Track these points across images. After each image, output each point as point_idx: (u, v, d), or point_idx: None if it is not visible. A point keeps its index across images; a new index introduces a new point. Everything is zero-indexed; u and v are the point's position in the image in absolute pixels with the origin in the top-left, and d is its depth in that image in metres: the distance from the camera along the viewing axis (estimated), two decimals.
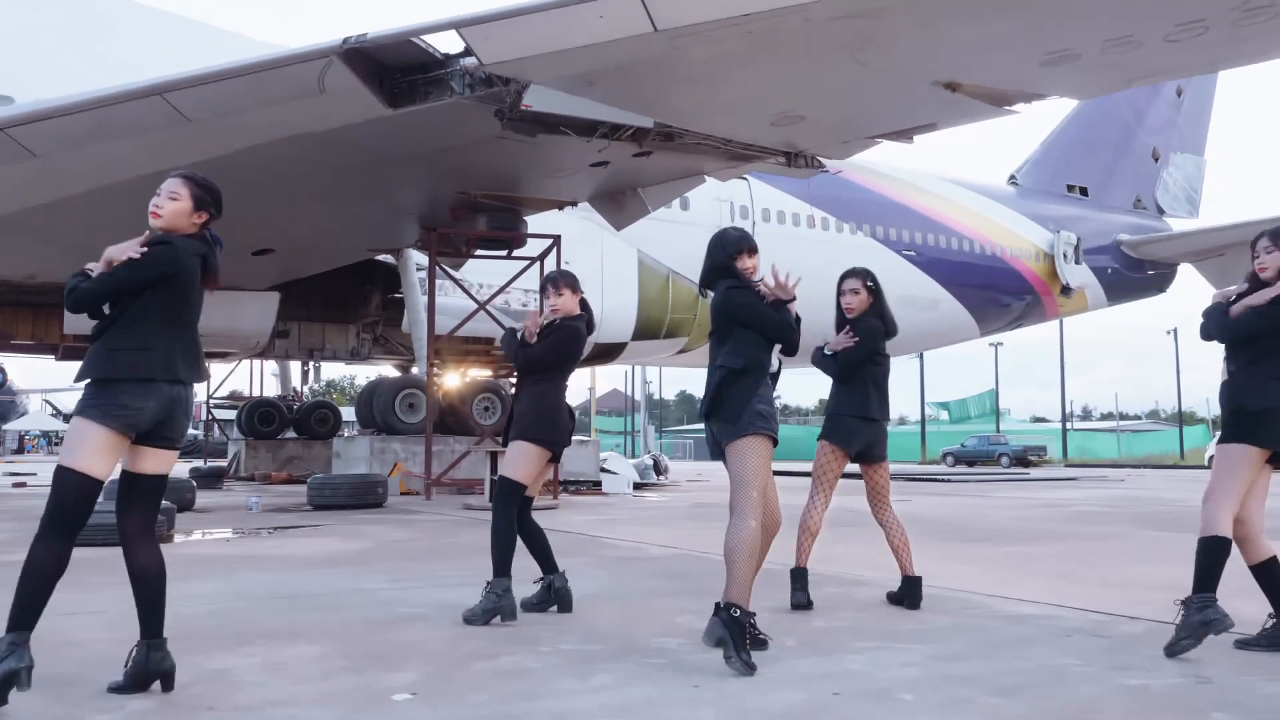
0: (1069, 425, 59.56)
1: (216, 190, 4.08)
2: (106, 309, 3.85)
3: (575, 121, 11.31)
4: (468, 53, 10.29)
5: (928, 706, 3.75)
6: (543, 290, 5.95)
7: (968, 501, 17.02)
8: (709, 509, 14.06)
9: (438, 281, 16.51)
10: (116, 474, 3.93)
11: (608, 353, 21.33)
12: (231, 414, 28.25)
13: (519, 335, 5.76)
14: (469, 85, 10.67)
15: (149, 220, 3.98)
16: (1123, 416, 79.54)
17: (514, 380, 14.53)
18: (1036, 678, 4.18)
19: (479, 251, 16.93)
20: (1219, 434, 4.87)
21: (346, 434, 25.28)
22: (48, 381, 76.02)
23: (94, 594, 5.78)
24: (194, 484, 14.24)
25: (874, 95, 11.47)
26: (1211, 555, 4.58)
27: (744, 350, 4.55)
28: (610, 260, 20.21)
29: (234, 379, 29.99)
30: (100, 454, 3.72)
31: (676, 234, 20.86)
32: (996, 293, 28.52)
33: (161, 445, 3.88)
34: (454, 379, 18.18)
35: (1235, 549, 4.66)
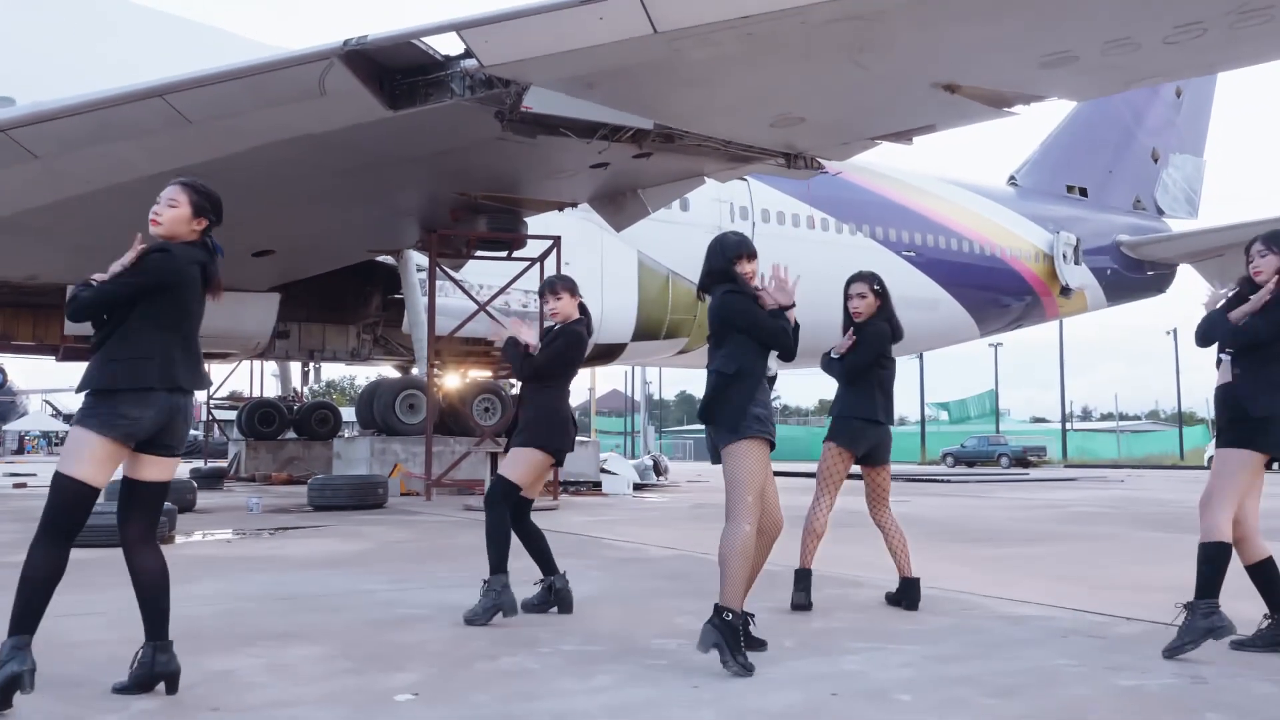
0: (1069, 426, 59.61)
1: (216, 197, 4.10)
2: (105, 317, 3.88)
3: (575, 123, 11.34)
4: (468, 55, 10.32)
5: (925, 707, 3.78)
6: (541, 294, 6.00)
7: (967, 502, 17.05)
8: (709, 510, 14.08)
9: (438, 282, 16.53)
10: (118, 475, 3.96)
11: (608, 353, 21.35)
12: (232, 415, 28.26)
13: (522, 346, 5.80)
14: (469, 87, 10.71)
15: (149, 227, 4.00)
16: (1122, 417, 79.61)
17: (514, 381, 14.56)
18: (1032, 678, 4.21)
19: (479, 252, 16.96)
20: (1218, 438, 4.86)
21: (347, 435, 25.30)
22: (48, 382, 76.11)
23: (99, 594, 5.81)
24: (194, 485, 14.28)
25: (873, 97, 11.50)
26: (1214, 561, 4.62)
27: (738, 355, 4.58)
28: (610, 261, 20.24)
29: (234, 379, 30.02)
30: (98, 463, 3.75)
31: (676, 235, 20.89)
32: (996, 293, 28.53)
33: (162, 453, 3.91)
34: (454, 380, 18.20)
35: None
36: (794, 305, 4.67)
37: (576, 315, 5.86)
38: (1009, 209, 29.79)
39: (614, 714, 3.67)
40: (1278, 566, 4.79)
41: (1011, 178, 32.38)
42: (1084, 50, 10.03)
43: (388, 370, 26.19)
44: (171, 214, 4.00)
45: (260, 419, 24.84)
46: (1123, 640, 5.00)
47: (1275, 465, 4.90)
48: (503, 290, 17.08)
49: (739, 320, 4.60)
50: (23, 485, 20.60)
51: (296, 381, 28.44)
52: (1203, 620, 4.54)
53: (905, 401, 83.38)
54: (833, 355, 6.14)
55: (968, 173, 41.36)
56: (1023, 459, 44.78)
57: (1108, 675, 4.26)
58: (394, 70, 10.81)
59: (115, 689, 3.83)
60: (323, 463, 22.00)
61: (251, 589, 6.60)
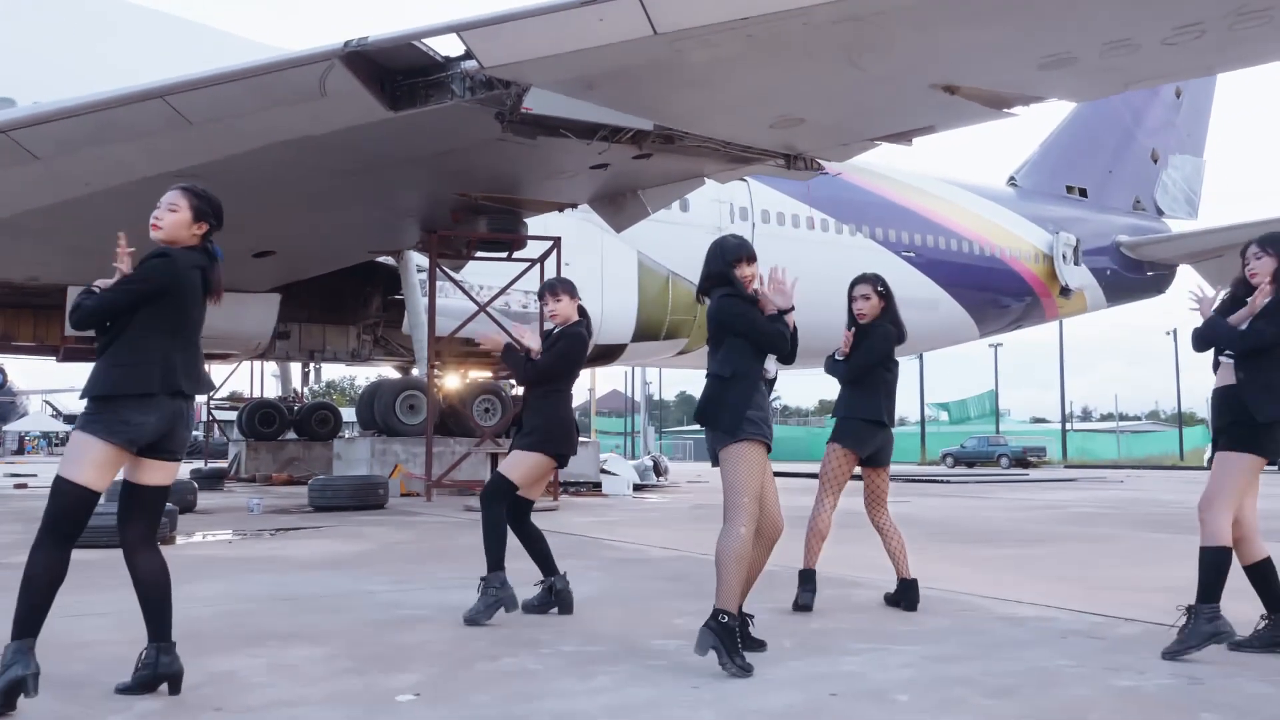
0: (1069, 426, 59.63)
1: (216, 201, 4.12)
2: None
3: (575, 124, 11.36)
4: (468, 56, 10.35)
5: (923, 707, 3.80)
6: (541, 296, 6.03)
7: (966, 503, 17.07)
8: (709, 510, 14.10)
9: (438, 283, 16.56)
10: (118, 475, 3.97)
11: (608, 354, 21.38)
12: (232, 415, 28.27)
13: (525, 353, 5.83)
14: (469, 88, 10.73)
15: (150, 232, 4.02)
16: (1122, 417, 79.69)
17: (514, 381, 14.57)
18: (1030, 679, 4.23)
19: (479, 253, 16.98)
20: (1216, 439, 4.85)
21: (347, 435, 25.33)
22: (48, 382, 76.12)
23: (102, 595, 5.83)
24: (195, 485, 14.31)
25: (873, 98, 11.52)
26: (1217, 566, 4.64)
27: (734, 359, 4.60)
28: (610, 262, 20.26)
29: (234, 380, 30.05)
30: (100, 468, 3.77)
31: (676, 235, 20.91)
32: (996, 294, 28.55)
33: (164, 458, 3.93)
34: (454, 380, 18.23)
35: None
36: (793, 309, 4.69)
37: (576, 317, 5.89)
38: (1009, 210, 29.81)
39: (614, 714, 3.69)
40: (1276, 567, 4.82)
41: (1011, 178, 32.41)
42: (1083, 52, 10.05)
43: (388, 371, 26.22)
44: (172, 219, 4.02)
45: (260, 419, 24.86)
46: (1121, 641, 5.02)
47: (1277, 466, 4.93)
48: (503, 291, 17.11)
49: (735, 323, 4.62)
50: (23, 486, 20.63)
51: (297, 382, 28.46)
52: (1206, 625, 4.57)
53: (905, 402, 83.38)
54: (836, 357, 6.15)
55: (967, 173, 41.41)
56: (1022, 459, 44.81)
57: (1106, 676, 4.28)
58: (394, 71, 10.83)
59: (119, 689, 3.86)
60: (323, 463, 22.02)
61: (253, 590, 6.62)
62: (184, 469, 20.80)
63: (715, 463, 4.66)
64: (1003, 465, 43.98)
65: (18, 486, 20.44)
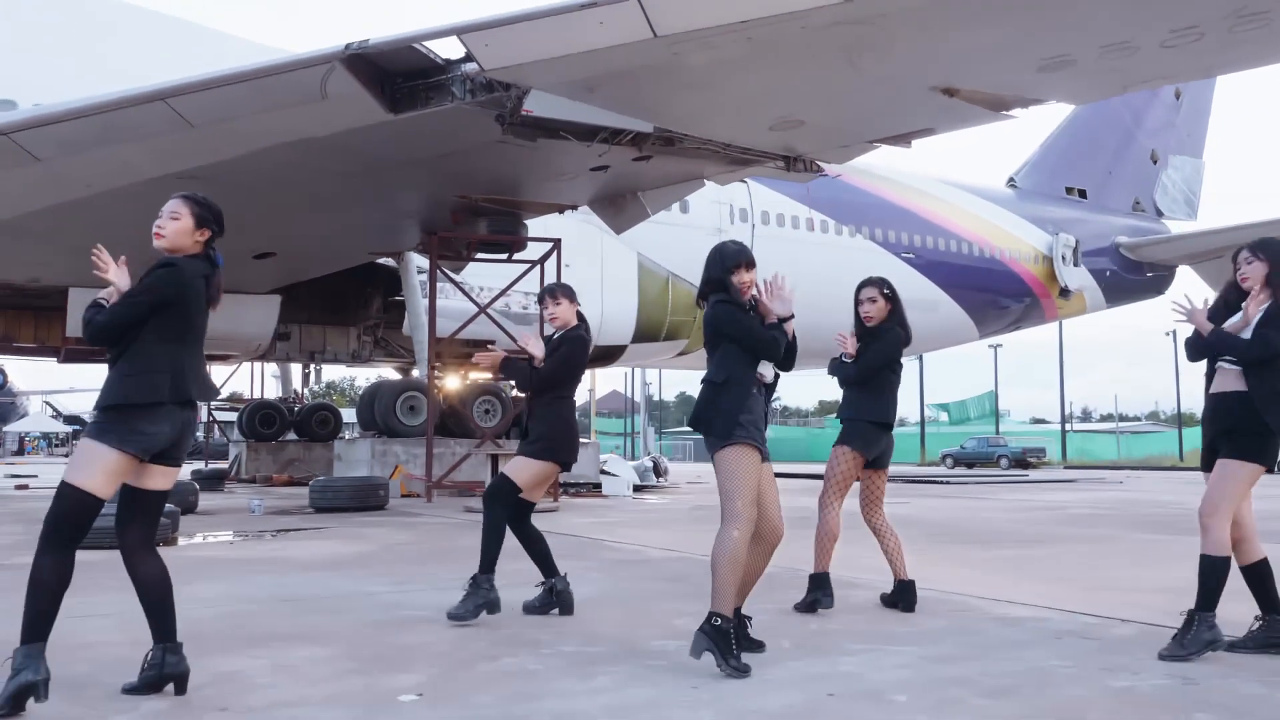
0: (1068, 427, 59.64)
1: (217, 208, 4.17)
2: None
3: (575, 126, 11.40)
4: (469, 58, 10.39)
5: (920, 707, 3.84)
6: (541, 300, 6.09)
7: (966, 504, 17.10)
8: (708, 511, 14.12)
9: (438, 284, 16.59)
10: None
11: (608, 355, 21.41)
12: (232, 416, 28.31)
13: (528, 361, 5.88)
14: (470, 90, 10.77)
15: (153, 241, 4.05)
16: (1122, 418, 79.70)
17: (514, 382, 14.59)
18: (1027, 679, 4.27)
19: (479, 255, 17.01)
20: (1217, 445, 4.82)
21: (347, 436, 25.35)
22: (48, 383, 76.17)
23: (105, 596, 5.86)
24: (197, 486, 14.35)
25: (872, 100, 11.56)
26: (1219, 575, 4.67)
27: (728, 364, 4.65)
28: (610, 263, 20.30)
29: (235, 381, 30.09)
30: (109, 477, 3.81)
31: (676, 237, 20.95)
32: (995, 295, 28.58)
33: (169, 464, 3.98)
34: (455, 382, 18.26)
35: None
36: (793, 316, 4.73)
37: (575, 321, 5.93)
38: (1008, 211, 29.84)
39: (614, 714, 3.73)
40: (1272, 568, 4.85)
41: (1011, 179, 32.44)
42: (1082, 54, 10.09)
43: (388, 372, 26.27)
44: (174, 226, 4.06)
45: (261, 420, 24.90)
46: (1117, 642, 5.06)
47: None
48: (503, 292, 17.14)
49: (728, 329, 4.66)
50: (24, 487, 20.67)
51: (297, 383, 28.50)
52: (1207, 632, 4.62)
53: (905, 402, 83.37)
54: (843, 359, 6.18)
55: (967, 174, 41.49)
56: (1022, 460, 44.83)
57: (1101, 676, 4.32)
58: (395, 74, 10.87)
59: (125, 690, 3.90)
60: (323, 464, 22.06)
61: (255, 591, 6.66)
62: (185, 470, 20.83)
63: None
64: (1002, 466, 44.00)
65: (19, 488, 20.48)
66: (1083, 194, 32.68)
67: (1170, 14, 9.30)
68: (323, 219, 15.45)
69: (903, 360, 6.38)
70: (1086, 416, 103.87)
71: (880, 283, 6.22)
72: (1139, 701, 3.96)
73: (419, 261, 17.97)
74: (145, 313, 3.89)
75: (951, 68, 10.57)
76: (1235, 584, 4.88)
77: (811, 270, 22.60)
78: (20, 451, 69.13)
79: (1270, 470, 4.83)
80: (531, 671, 4.38)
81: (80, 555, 3.85)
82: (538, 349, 5.87)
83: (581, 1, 9.23)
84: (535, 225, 16.65)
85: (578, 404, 6.65)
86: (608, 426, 71.99)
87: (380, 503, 14.04)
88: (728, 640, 4.31)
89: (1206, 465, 4.95)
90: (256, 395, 28.16)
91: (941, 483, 26.16)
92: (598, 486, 18.58)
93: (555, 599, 5.81)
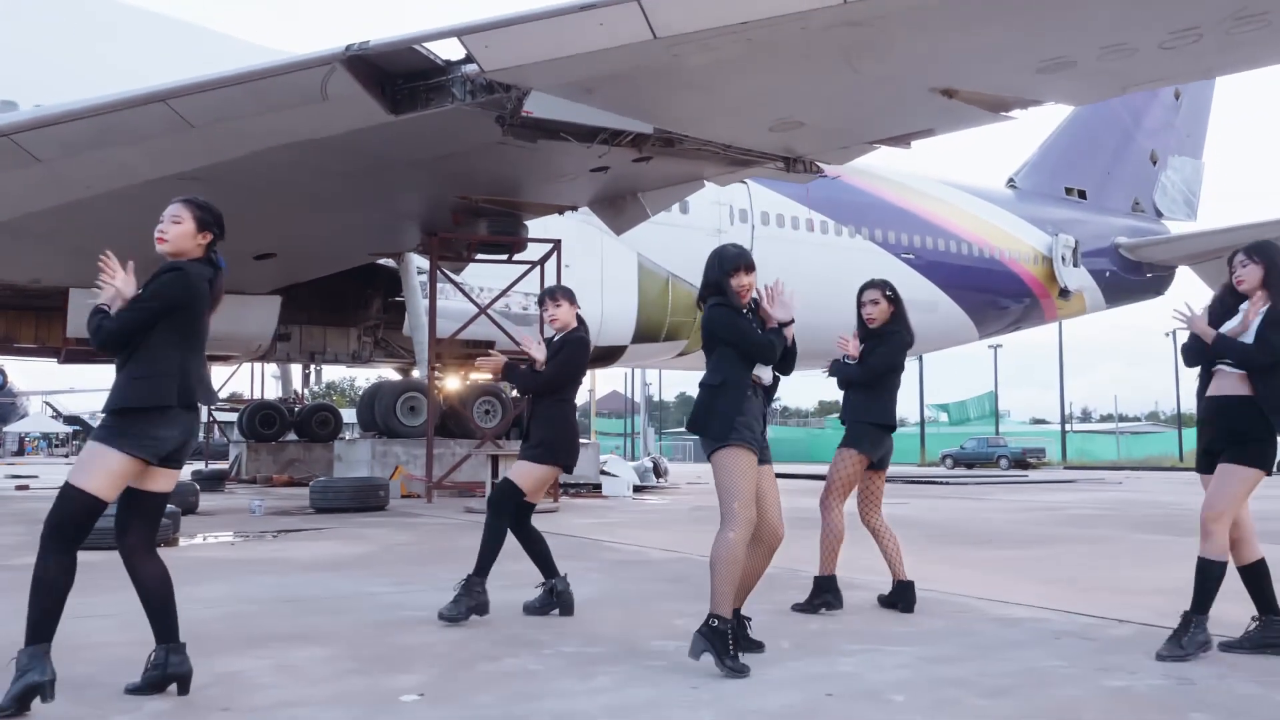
0: (1068, 427, 59.65)
1: (217, 211, 4.20)
2: None
3: (575, 128, 11.43)
4: (469, 60, 10.42)
5: (918, 707, 3.86)
6: (541, 302, 6.12)
7: (965, 504, 17.12)
8: (708, 512, 14.12)
9: (439, 285, 16.62)
10: None
11: (608, 355, 21.44)
12: (232, 416, 28.32)
13: (529, 366, 5.90)
14: (470, 92, 10.80)
15: (156, 246, 4.08)
16: (1122, 418, 79.70)
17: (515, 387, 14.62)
18: (1024, 679, 4.29)
19: (480, 256, 17.04)
20: (1216, 449, 4.82)
21: (347, 437, 25.37)
22: (48, 383, 76.17)
23: (108, 596, 5.87)
24: (198, 487, 14.38)
25: (871, 101, 11.58)
26: (1216, 579, 4.71)
27: (724, 367, 4.67)
28: (610, 264, 20.33)
29: (235, 381, 30.13)
30: (115, 480, 3.84)
31: (676, 237, 20.99)
32: (995, 295, 28.62)
33: (172, 466, 4.00)
34: (455, 382, 18.28)
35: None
36: (793, 321, 4.75)
37: (575, 324, 5.96)
38: (1008, 211, 29.87)
39: (614, 714, 3.75)
40: (1269, 569, 4.88)
41: (1010, 180, 32.47)
42: (1081, 56, 10.12)
43: (389, 373, 26.29)
44: (177, 231, 4.08)
45: (261, 421, 24.92)
46: (1114, 642, 5.08)
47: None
48: (504, 293, 17.16)
49: (723, 333, 4.69)
50: (25, 487, 20.68)
51: (297, 383, 28.52)
52: (1201, 635, 4.65)
53: (905, 403, 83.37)
54: (846, 360, 6.19)
55: (966, 175, 41.50)
56: (1022, 460, 44.85)
57: (1098, 676, 4.34)
58: (395, 75, 10.90)
59: (128, 690, 3.92)
60: (323, 465, 22.07)
61: (256, 591, 6.68)
62: (185, 470, 20.83)
63: None
64: (1002, 466, 44.01)
65: (19, 488, 20.49)
66: (1082, 194, 32.71)
67: (1169, 15, 9.33)
68: (323, 220, 15.48)
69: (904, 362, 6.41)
70: (1086, 417, 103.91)
71: (883, 285, 6.25)
72: (1135, 701, 3.98)
73: (419, 262, 18.00)
74: (154, 318, 3.92)
75: (951, 69, 10.60)
76: (1234, 585, 4.91)
77: (811, 271, 22.65)
78: (20, 452, 69.16)
79: (1269, 474, 4.85)
80: (532, 672, 4.40)
81: (82, 556, 3.88)
82: (539, 353, 5.89)
83: (581, 3, 9.26)
84: (535, 226, 16.67)
85: (578, 404, 6.68)
86: (608, 427, 72.00)
87: (380, 503, 14.06)
88: (724, 641, 4.34)
89: (1202, 467, 4.97)
90: (256, 396, 28.19)
91: (941, 483, 26.19)
92: (598, 487, 18.60)
93: (555, 599, 5.83)
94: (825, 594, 5.97)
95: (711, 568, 4.48)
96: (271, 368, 28.53)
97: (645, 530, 11.35)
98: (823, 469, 6.45)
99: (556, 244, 16.45)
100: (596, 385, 45.16)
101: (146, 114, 11.26)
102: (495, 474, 12.56)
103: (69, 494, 3.81)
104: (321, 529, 11.25)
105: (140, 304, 3.92)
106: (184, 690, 3.91)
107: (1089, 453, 58.18)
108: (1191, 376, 5.13)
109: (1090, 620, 5.66)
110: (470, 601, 5.52)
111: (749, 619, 4.82)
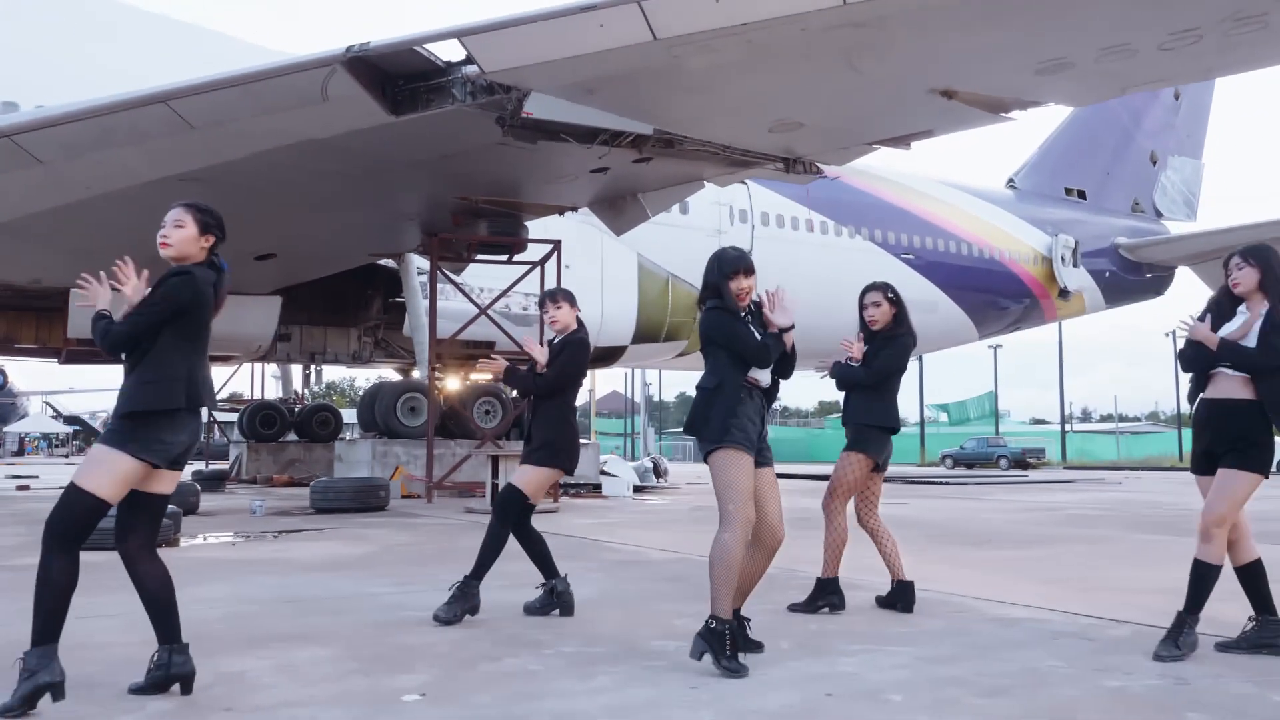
0: (1068, 427, 59.66)
1: (218, 214, 4.22)
2: None
3: (576, 129, 11.45)
4: (469, 61, 10.43)
5: (916, 707, 3.88)
6: (541, 304, 6.15)
7: (965, 504, 17.14)
8: (709, 512, 14.09)
9: (439, 286, 16.63)
10: None
11: (608, 356, 21.47)
12: (233, 417, 28.33)
13: (530, 368, 5.93)
14: (470, 93, 10.81)
15: (159, 251, 4.09)
16: (1122, 418, 79.70)
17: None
18: (1022, 679, 4.31)
19: (480, 256, 17.05)
20: (1219, 454, 4.81)
21: (348, 437, 25.39)
22: (48, 384, 76.22)
23: (111, 596, 5.89)
24: (198, 487, 14.40)
25: (871, 102, 11.60)
26: (1211, 581, 4.73)
27: (720, 370, 4.70)
28: (610, 264, 20.35)
29: (235, 382, 30.16)
30: (121, 483, 3.86)
31: (676, 238, 21.02)
32: (994, 296, 28.64)
33: (176, 468, 4.03)
34: (455, 383, 18.31)
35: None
36: (793, 327, 4.77)
37: (575, 325, 5.98)
38: (1007, 212, 29.90)
39: (614, 714, 3.77)
40: (1265, 569, 4.89)
41: (1010, 180, 32.50)
42: (1080, 57, 10.13)
43: (389, 373, 26.30)
44: (180, 234, 4.10)
45: (261, 421, 24.93)
46: (1112, 642, 5.10)
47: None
48: (504, 294, 17.18)
49: (718, 336, 4.71)
50: (26, 488, 20.70)
51: (297, 384, 28.54)
52: (1192, 635, 4.69)
53: (905, 403, 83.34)
54: (848, 362, 6.20)
55: (966, 175, 41.52)
56: (1022, 461, 44.85)
57: (1095, 676, 4.36)
58: (396, 76, 10.92)
59: (131, 689, 3.94)
60: (324, 465, 22.09)
61: (257, 591, 6.70)
62: (185, 470, 20.84)
63: None
64: (1002, 466, 44.02)
65: (20, 489, 20.51)
66: (1082, 195, 32.73)
67: (1168, 17, 9.35)
68: (323, 220, 15.49)
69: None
70: (1086, 417, 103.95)
71: (885, 287, 6.27)
72: (1132, 701, 4.00)
73: (419, 263, 18.03)
74: (163, 322, 3.94)
75: (950, 70, 10.62)
76: (1231, 586, 4.93)
77: (811, 271, 22.67)
78: (20, 452, 69.17)
79: (1268, 477, 4.87)
80: (532, 672, 4.42)
81: (85, 556, 3.89)
82: (541, 355, 5.92)
83: (582, 4, 9.28)
84: (535, 226, 16.69)
85: (578, 404, 6.70)
86: (608, 427, 72.01)
87: (381, 504, 14.07)
88: (722, 641, 4.36)
89: (1198, 469, 4.98)
90: (257, 396, 28.20)
91: (941, 483, 26.20)
92: (598, 487, 18.62)
93: (556, 600, 5.85)
94: (829, 595, 5.99)
95: (710, 569, 4.51)
96: (272, 368, 28.56)
97: (645, 530, 11.36)
98: (822, 469, 6.45)
99: (556, 244, 16.47)
100: (596, 385, 45.21)
101: (147, 115, 11.27)
102: (495, 474, 12.58)
103: (74, 495, 3.82)
104: (322, 529, 11.27)
105: (150, 307, 3.94)
106: (187, 690, 3.93)
107: (1089, 453, 58.20)
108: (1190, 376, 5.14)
109: (1089, 620, 5.68)
110: (465, 604, 5.56)
111: (748, 619, 4.84)
